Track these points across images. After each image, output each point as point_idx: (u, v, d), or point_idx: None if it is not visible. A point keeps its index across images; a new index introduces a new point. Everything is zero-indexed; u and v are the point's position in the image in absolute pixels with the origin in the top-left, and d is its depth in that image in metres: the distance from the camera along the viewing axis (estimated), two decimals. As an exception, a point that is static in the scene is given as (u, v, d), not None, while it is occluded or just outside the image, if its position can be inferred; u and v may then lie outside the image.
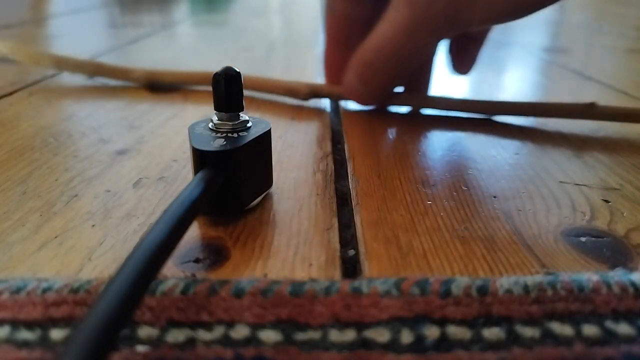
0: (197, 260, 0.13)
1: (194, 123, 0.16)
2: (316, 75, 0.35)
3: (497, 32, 0.60)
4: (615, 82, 0.33)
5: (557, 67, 0.39)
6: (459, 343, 0.10)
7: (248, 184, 0.15)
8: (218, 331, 0.10)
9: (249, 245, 0.14)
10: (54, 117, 0.25)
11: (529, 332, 0.10)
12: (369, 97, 0.25)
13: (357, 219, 0.15)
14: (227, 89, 0.15)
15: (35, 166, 0.19)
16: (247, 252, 0.14)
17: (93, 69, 0.31)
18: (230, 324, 0.11)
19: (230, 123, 0.15)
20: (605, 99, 0.29)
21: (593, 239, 0.14)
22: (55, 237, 0.14)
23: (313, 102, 0.28)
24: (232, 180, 0.14)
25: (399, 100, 0.26)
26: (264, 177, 0.16)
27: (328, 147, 0.22)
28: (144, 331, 0.10)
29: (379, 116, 0.26)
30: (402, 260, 0.13)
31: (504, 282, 0.12)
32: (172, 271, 0.13)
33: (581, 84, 0.33)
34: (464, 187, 0.18)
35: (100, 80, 0.32)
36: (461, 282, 0.12)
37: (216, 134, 0.15)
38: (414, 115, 0.26)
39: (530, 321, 0.11)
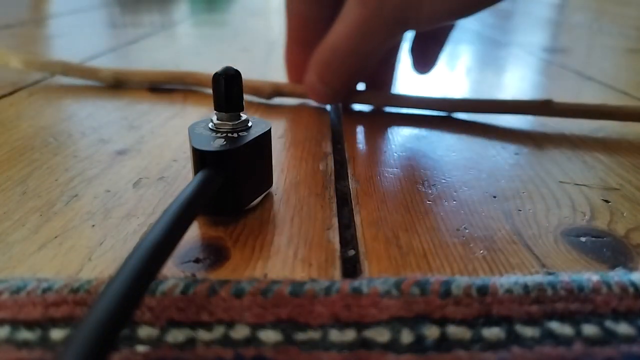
0: (197, 260, 0.13)
1: (194, 123, 0.16)
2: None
3: (497, 32, 0.60)
4: (615, 82, 0.33)
5: (557, 67, 0.39)
6: (459, 343, 0.10)
7: (248, 184, 0.15)
8: (218, 331, 0.10)
9: (249, 245, 0.14)
10: (54, 117, 0.25)
11: (529, 332, 0.10)
12: (329, 96, 0.25)
13: (357, 219, 0.15)
14: (227, 89, 0.15)
15: (35, 166, 0.19)
16: (247, 252, 0.14)
17: (60, 68, 0.31)
18: (230, 324, 0.11)
19: (230, 123, 0.15)
20: (605, 99, 0.29)
21: (593, 239, 0.14)
22: (55, 237, 0.14)
23: (313, 102, 0.28)
24: (232, 180, 0.14)
25: (361, 98, 0.26)
26: (264, 177, 0.16)
27: (328, 147, 0.22)
28: (144, 331, 0.10)
29: (379, 116, 0.26)
30: (402, 260, 0.13)
31: (504, 282, 0.12)
32: (172, 271, 0.13)
33: (581, 84, 0.33)
34: (464, 187, 0.18)
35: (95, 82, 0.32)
36: (461, 282, 0.12)
37: (216, 134, 0.15)
38: (414, 115, 0.26)
39: (530, 321, 0.11)
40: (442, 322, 0.11)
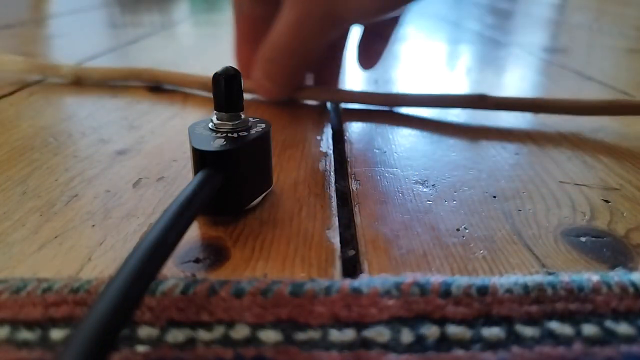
0: (197, 260, 0.13)
1: (194, 123, 0.16)
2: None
3: (497, 32, 0.60)
4: (615, 82, 0.33)
5: (557, 67, 0.39)
6: (458, 343, 0.10)
7: (248, 184, 0.15)
8: (218, 331, 0.10)
9: (249, 245, 0.14)
10: (54, 117, 0.25)
11: (528, 331, 0.10)
12: (274, 91, 0.26)
13: (357, 219, 0.15)
14: (227, 89, 0.15)
15: (35, 166, 0.19)
16: (247, 252, 0.14)
17: (26, 67, 0.32)
18: (230, 324, 0.11)
19: (230, 123, 0.15)
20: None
21: (593, 239, 0.14)
22: (55, 237, 0.14)
23: (313, 102, 0.28)
24: (232, 180, 0.14)
25: (307, 94, 0.27)
26: (264, 177, 0.16)
27: (328, 147, 0.22)
28: (144, 331, 0.10)
29: (379, 116, 0.26)
30: (402, 260, 0.13)
31: (503, 282, 0.12)
32: (172, 271, 0.13)
33: (581, 84, 0.33)
34: (464, 187, 0.18)
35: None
36: (461, 282, 0.12)
37: (216, 134, 0.15)
38: (413, 115, 0.26)
39: (530, 321, 0.11)
40: (442, 322, 0.11)
